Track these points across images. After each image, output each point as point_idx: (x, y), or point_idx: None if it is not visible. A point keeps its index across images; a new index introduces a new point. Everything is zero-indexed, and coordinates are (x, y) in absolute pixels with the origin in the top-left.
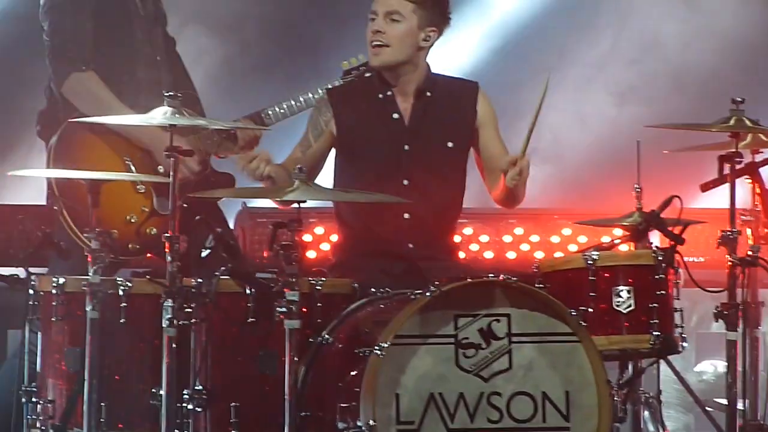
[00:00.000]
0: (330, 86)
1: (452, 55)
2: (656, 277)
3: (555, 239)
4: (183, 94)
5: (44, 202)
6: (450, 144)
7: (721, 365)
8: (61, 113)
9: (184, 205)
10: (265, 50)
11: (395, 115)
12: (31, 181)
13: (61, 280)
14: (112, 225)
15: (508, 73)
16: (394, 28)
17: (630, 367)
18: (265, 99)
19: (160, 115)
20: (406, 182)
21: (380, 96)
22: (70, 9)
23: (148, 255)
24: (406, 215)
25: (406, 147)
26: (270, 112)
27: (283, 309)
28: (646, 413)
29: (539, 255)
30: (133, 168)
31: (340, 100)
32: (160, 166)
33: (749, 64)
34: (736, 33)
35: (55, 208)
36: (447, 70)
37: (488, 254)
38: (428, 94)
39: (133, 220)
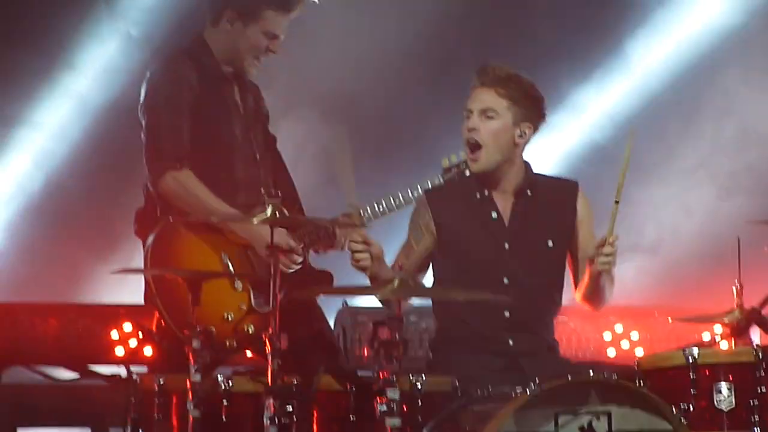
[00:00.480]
0: (429, 186)
1: (550, 152)
2: (757, 374)
3: (655, 336)
4: (282, 193)
5: (142, 302)
6: (550, 243)
7: None
8: (158, 212)
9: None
10: (367, 139)
11: (494, 215)
12: (131, 281)
13: (162, 379)
14: (210, 322)
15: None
16: (488, 125)
17: None
18: (366, 189)
19: (260, 214)
20: (506, 280)
21: (478, 196)
22: (167, 107)
23: (247, 353)
24: (507, 313)
25: (506, 245)
26: (369, 210)
27: (384, 407)
28: None
29: (639, 352)
30: (230, 265)
31: (438, 201)
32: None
33: None
34: None
35: (154, 306)
36: (545, 167)
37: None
38: (528, 193)
39: (230, 318)
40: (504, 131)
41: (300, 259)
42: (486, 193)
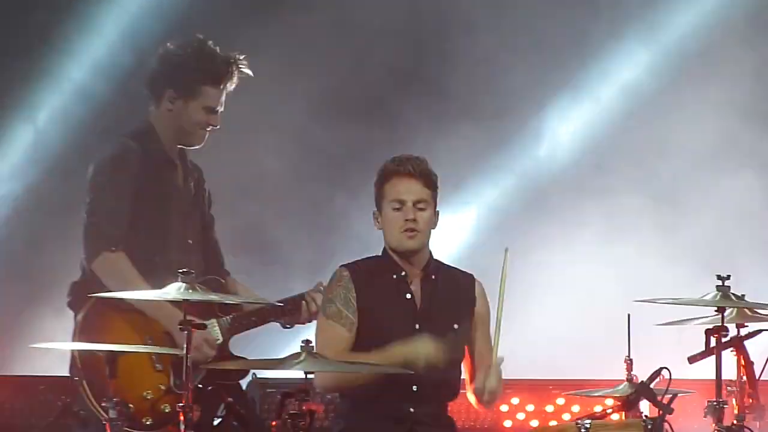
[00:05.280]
0: (349, 264)
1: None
2: None
3: (549, 408)
4: (209, 279)
5: (67, 374)
6: (456, 326)
7: None
8: (90, 288)
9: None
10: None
11: (408, 296)
12: (55, 353)
13: None
14: (129, 400)
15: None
16: (422, 215)
17: None
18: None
19: (174, 291)
20: (419, 342)
21: (394, 276)
22: (111, 189)
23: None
24: (414, 387)
25: (417, 326)
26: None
27: None
28: None
29: (534, 423)
30: (153, 347)
31: (360, 278)
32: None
33: (738, 237)
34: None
35: (76, 379)
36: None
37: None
38: (433, 277)
39: (149, 397)
40: (431, 220)
41: (212, 352)
42: (402, 273)
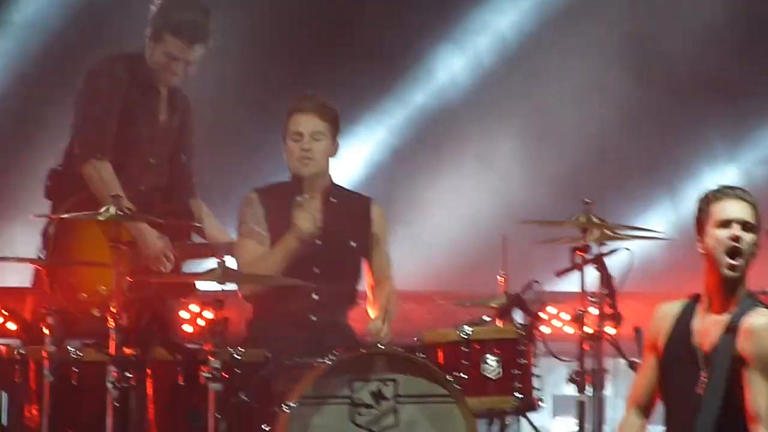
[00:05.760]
0: (257, 188)
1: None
2: (519, 348)
3: (434, 316)
4: (175, 206)
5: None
6: (352, 243)
7: (573, 422)
8: (72, 179)
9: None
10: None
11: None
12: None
13: (22, 350)
14: (85, 290)
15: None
16: (318, 146)
17: (497, 423)
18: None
19: (105, 212)
20: (316, 270)
21: (298, 198)
22: (103, 100)
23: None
24: (315, 296)
25: (318, 242)
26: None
27: (208, 374)
28: None
29: (421, 330)
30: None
31: (267, 199)
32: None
33: (600, 167)
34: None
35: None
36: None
37: None
38: (333, 199)
39: (102, 292)
40: (328, 149)
41: (170, 266)
42: (304, 195)
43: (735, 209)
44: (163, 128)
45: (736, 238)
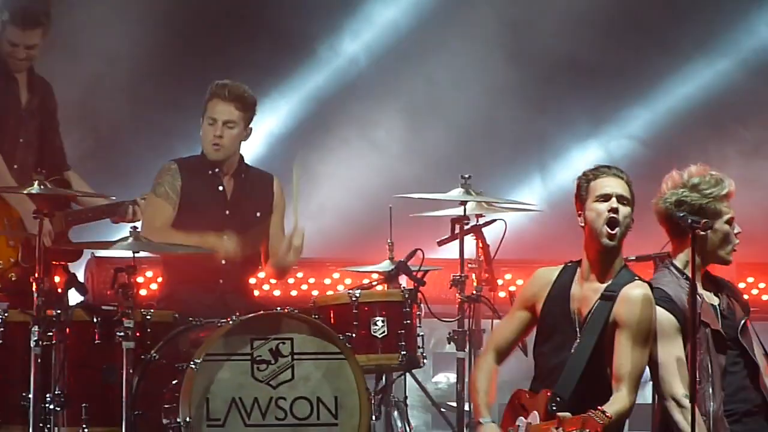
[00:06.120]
0: (177, 159)
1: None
2: (404, 310)
3: (327, 281)
4: (56, 179)
5: None
6: (258, 214)
7: (453, 377)
8: None
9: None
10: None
11: (220, 188)
12: None
13: None
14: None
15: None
16: (230, 133)
17: (384, 378)
18: None
19: (29, 187)
20: (225, 238)
21: (210, 172)
22: None
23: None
24: (223, 261)
25: (227, 212)
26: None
27: (122, 333)
28: (396, 413)
29: (315, 293)
30: (8, 227)
31: (185, 170)
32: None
33: (477, 145)
34: (465, 120)
35: None
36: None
37: (276, 292)
38: (242, 176)
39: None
40: (239, 136)
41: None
42: (216, 170)
43: (613, 185)
44: (27, 109)
45: (615, 210)
